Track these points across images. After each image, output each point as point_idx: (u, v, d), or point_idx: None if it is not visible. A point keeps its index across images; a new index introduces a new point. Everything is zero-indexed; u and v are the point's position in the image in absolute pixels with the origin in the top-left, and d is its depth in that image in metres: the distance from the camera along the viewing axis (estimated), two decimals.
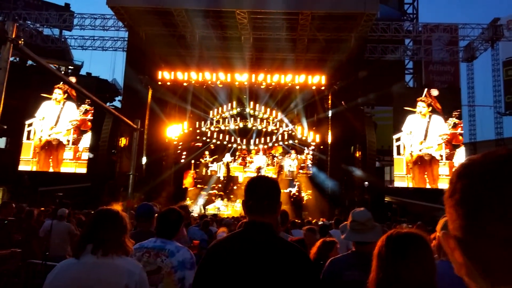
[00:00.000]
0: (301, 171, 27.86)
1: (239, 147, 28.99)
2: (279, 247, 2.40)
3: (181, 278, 3.48)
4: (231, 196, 26.03)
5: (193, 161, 28.83)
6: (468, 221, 0.77)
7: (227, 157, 28.83)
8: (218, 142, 28.66)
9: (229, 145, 29.40)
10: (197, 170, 29.14)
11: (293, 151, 28.87)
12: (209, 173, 29.23)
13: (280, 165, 28.79)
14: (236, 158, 29.59)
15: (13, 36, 3.30)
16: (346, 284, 3.26)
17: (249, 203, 2.52)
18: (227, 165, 28.60)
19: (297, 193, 26.38)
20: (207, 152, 29.36)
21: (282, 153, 29.44)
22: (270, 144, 28.23)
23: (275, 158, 29.38)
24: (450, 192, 0.83)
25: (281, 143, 28.64)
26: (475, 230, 0.76)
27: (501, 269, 0.73)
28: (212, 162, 29.49)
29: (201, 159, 29.28)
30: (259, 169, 27.99)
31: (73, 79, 22.44)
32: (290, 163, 28.34)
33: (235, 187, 27.16)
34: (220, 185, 27.67)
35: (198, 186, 27.85)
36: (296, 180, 27.40)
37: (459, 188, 0.80)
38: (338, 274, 3.33)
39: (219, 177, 28.73)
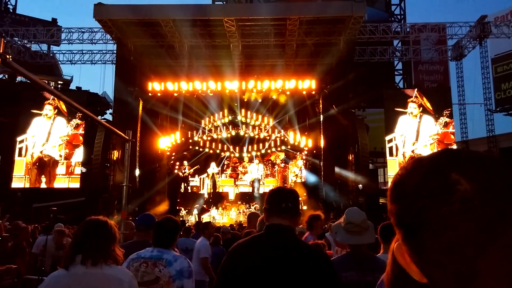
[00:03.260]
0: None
1: (231, 155, 27.83)
2: (299, 249, 2.49)
3: (180, 287, 3.46)
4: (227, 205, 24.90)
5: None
6: (407, 245, 0.77)
7: (213, 168, 26.17)
8: (211, 151, 27.77)
9: (213, 152, 26.54)
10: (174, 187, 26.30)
11: (298, 156, 27.09)
12: (189, 190, 26.29)
13: (283, 175, 27.42)
14: (224, 168, 27.41)
15: (1, 51, 3.27)
16: (345, 285, 3.26)
17: (270, 207, 2.65)
18: (213, 178, 25.92)
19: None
20: (186, 162, 26.52)
21: (284, 160, 27.96)
22: (263, 151, 27.84)
23: (276, 167, 28.03)
24: (389, 211, 0.82)
25: (281, 147, 27.55)
26: (413, 253, 0.76)
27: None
28: (193, 175, 26.86)
29: (178, 171, 26.50)
30: (254, 182, 25.68)
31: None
32: (297, 171, 26.84)
33: (227, 204, 24.30)
34: (205, 205, 24.65)
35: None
36: (301, 194, 24.90)
37: (393, 211, 0.79)
38: None
39: (202, 194, 25.76)
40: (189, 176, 26.72)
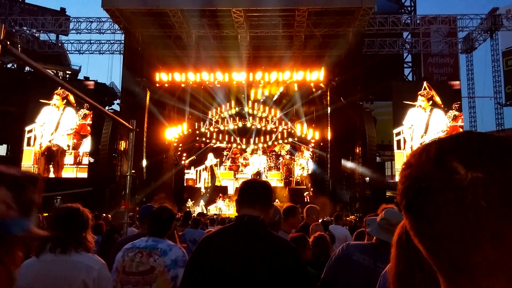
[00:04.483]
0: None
1: (238, 146, 27.27)
2: (268, 240, 2.47)
3: (174, 276, 3.47)
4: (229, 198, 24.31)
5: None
6: (412, 231, 0.75)
7: (211, 159, 25.19)
8: (219, 143, 27.53)
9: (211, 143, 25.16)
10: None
11: (304, 147, 26.45)
12: (184, 183, 25.07)
13: (289, 168, 27.04)
14: (223, 160, 26.55)
15: (1, 38, 3.21)
16: (353, 263, 3.37)
17: (241, 198, 2.65)
18: (211, 170, 24.87)
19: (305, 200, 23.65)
20: (184, 154, 25.19)
21: (290, 151, 27.44)
22: (270, 143, 27.64)
23: (281, 158, 27.63)
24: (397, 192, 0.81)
25: (288, 139, 27.14)
26: (413, 236, 0.74)
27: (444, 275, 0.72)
28: (188, 167, 25.85)
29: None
30: (257, 174, 25.02)
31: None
32: (303, 163, 26.25)
33: (226, 199, 23.14)
34: (202, 201, 23.48)
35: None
36: (309, 188, 24.72)
37: (398, 191, 0.78)
38: (349, 254, 3.46)
39: (199, 188, 24.51)
40: (184, 168, 25.62)
